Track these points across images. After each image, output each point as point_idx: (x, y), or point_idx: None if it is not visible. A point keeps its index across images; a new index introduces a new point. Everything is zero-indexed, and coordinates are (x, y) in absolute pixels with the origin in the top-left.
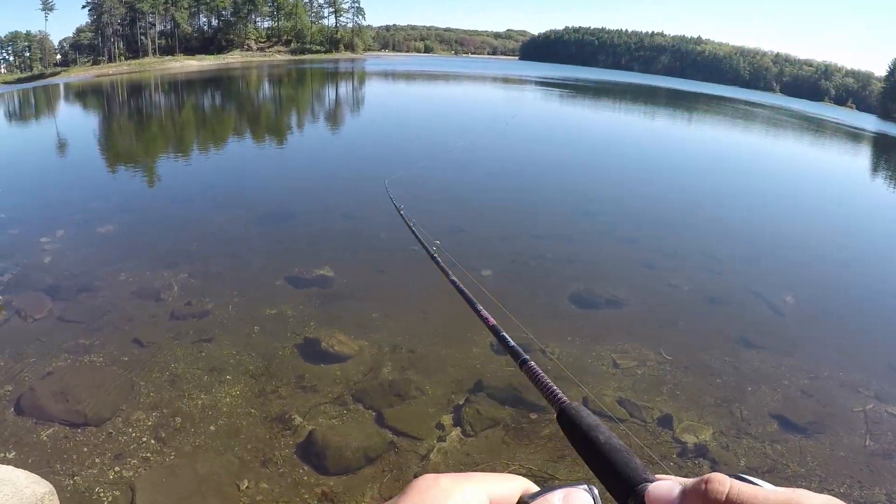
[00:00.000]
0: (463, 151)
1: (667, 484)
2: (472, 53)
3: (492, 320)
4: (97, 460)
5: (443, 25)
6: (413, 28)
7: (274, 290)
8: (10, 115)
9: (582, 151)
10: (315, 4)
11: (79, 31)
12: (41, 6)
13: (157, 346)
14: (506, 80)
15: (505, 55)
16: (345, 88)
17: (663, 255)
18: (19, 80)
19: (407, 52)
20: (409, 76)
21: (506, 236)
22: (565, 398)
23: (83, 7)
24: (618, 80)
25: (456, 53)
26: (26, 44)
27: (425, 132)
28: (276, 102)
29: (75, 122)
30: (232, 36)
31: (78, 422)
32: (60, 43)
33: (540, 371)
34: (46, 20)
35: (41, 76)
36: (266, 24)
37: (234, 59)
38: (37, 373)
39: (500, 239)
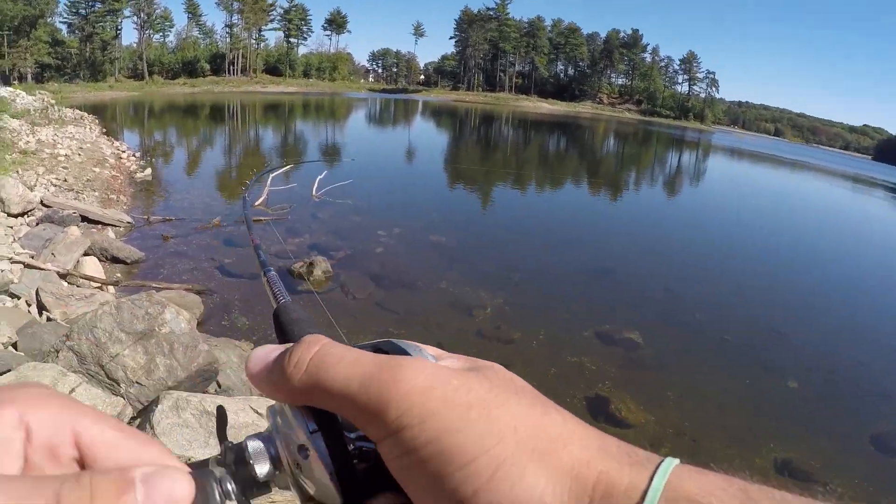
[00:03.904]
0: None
1: (268, 347)
2: (823, 144)
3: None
4: None
5: (796, 110)
6: (766, 108)
7: (580, 339)
8: (371, 118)
9: None
10: (670, 69)
11: (444, 58)
12: (413, 31)
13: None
14: (855, 180)
15: (858, 152)
16: (688, 158)
17: None
18: (384, 91)
19: (756, 132)
20: (755, 157)
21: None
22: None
23: (451, 38)
24: None
25: (806, 142)
26: (395, 61)
27: (772, 222)
28: (618, 159)
29: (428, 135)
30: (586, 87)
31: None
32: (426, 66)
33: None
34: (416, 44)
35: (404, 91)
36: (620, 81)
37: (584, 109)
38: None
39: None
